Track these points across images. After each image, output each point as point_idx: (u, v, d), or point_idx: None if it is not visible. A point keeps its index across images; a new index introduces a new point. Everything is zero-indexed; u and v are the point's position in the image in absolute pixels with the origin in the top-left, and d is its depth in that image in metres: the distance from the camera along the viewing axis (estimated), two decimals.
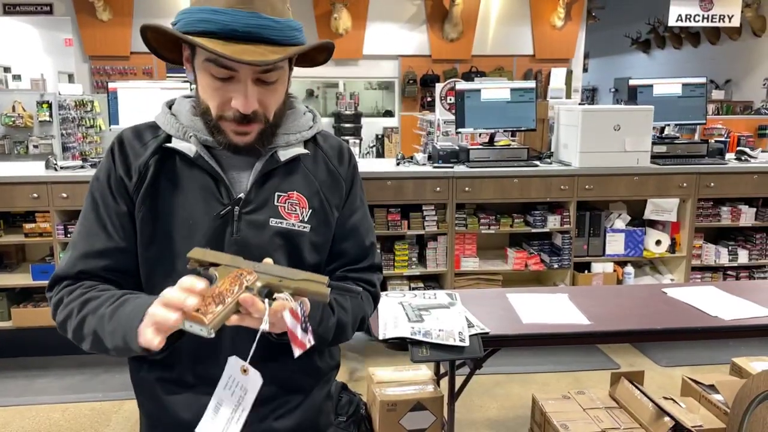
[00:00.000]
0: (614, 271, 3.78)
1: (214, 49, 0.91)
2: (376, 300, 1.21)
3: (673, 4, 7.79)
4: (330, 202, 1.12)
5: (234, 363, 0.93)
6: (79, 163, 3.61)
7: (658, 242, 3.77)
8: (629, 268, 3.78)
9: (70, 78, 10.18)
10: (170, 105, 1.12)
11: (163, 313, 0.84)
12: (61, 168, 3.45)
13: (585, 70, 10.66)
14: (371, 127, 9.39)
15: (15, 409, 2.93)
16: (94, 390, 3.09)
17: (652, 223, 3.82)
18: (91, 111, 8.06)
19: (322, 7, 8.84)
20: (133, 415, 2.85)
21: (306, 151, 1.10)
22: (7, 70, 9.78)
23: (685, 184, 3.67)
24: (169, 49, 1.05)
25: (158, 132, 1.07)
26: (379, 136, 9.46)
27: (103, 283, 1.04)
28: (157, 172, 1.04)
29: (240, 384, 0.92)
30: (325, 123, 8.95)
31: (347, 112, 8.79)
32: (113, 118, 3.60)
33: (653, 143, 3.70)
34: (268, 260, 0.92)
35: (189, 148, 1.03)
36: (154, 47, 1.04)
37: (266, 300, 0.89)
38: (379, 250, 1.24)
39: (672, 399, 2.45)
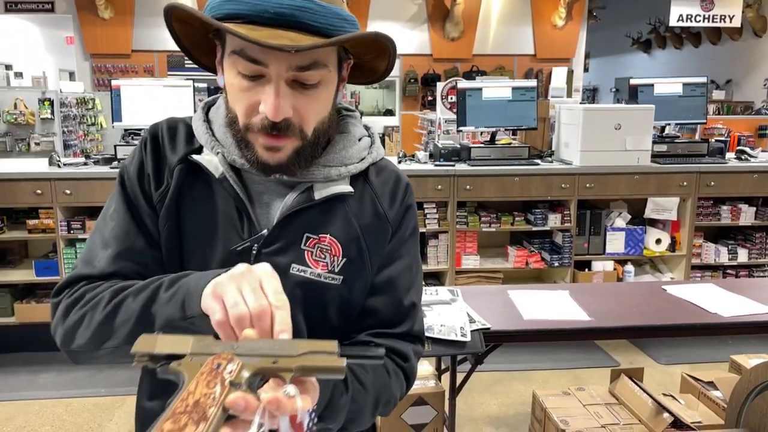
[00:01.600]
0: (614, 269, 3.80)
1: (236, 30, 0.73)
2: (408, 378, 0.93)
3: (674, 4, 7.80)
4: (371, 253, 0.91)
5: None
6: (82, 160, 3.63)
7: (658, 241, 3.78)
8: (629, 267, 3.80)
9: (71, 76, 10.20)
10: (210, 105, 0.95)
11: None
12: (65, 165, 3.46)
13: (586, 69, 10.68)
14: (372, 126, 9.31)
15: (19, 404, 2.95)
16: (96, 385, 3.11)
17: (653, 222, 3.84)
18: (93, 109, 8.08)
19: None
20: None
21: (350, 189, 0.90)
22: (8, 67, 9.79)
23: (685, 183, 3.69)
24: (201, 49, 0.90)
25: (191, 139, 0.92)
26: (380, 135, 9.48)
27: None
28: (180, 183, 0.89)
29: None
30: None
31: None
32: (116, 115, 3.62)
33: (654, 142, 3.71)
34: (249, 332, 0.67)
35: (215, 166, 0.87)
36: (187, 48, 0.89)
37: (262, 395, 0.64)
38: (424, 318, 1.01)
39: (671, 395, 2.47)
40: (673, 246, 3.81)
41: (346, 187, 0.90)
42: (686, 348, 3.59)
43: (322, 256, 0.88)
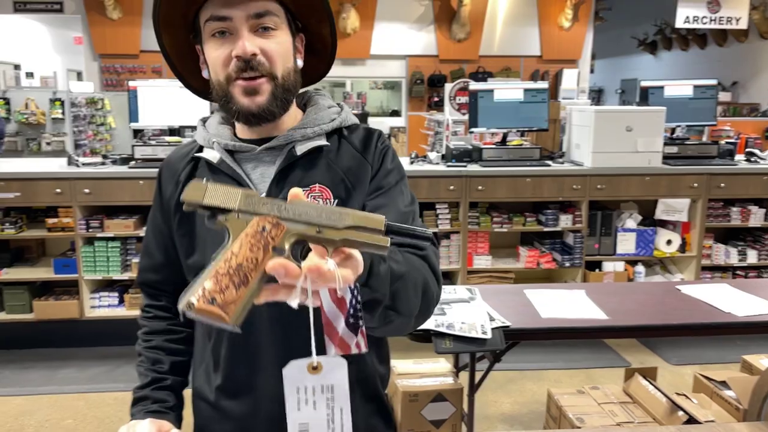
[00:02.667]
0: (625, 269, 3.83)
1: None
2: (434, 271, 0.98)
3: (680, 5, 7.82)
4: (357, 189, 1.04)
5: (294, 372, 0.71)
6: (99, 159, 3.67)
7: (668, 242, 3.82)
8: (640, 267, 3.83)
9: (79, 76, 10.26)
10: (206, 119, 1.14)
11: None
12: (83, 164, 3.51)
13: (591, 71, 10.70)
14: (378, 126, 8.99)
15: (39, 398, 3.00)
16: (116, 381, 3.16)
17: (663, 223, 3.87)
18: (102, 109, 8.13)
19: (330, 6, 8.87)
20: None
21: (326, 143, 1.05)
22: (17, 67, 9.85)
23: (696, 185, 3.72)
24: (186, 63, 1.06)
25: (192, 146, 1.11)
26: (386, 136, 9.51)
27: (160, 294, 1.15)
28: (187, 181, 1.05)
29: (318, 386, 0.71)
30: None
31: (354, 112, 8.73)
32: (133, 116, 3.66)
33: (664, 144, 3.75)
34: (296, 190, 0.70)
35: (213, 155, 1.03)
36: (174, 62, 1.06)
37: (303, 264, 0.64)
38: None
39: (684, 395, 2.50)
40: (683, 247, 3.85)
41: (322, 141, 1.04)
42: (696, 348, 3.62)
43: (316, 202, 1.00)
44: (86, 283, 3.50)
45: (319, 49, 1.09)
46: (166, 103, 3.63)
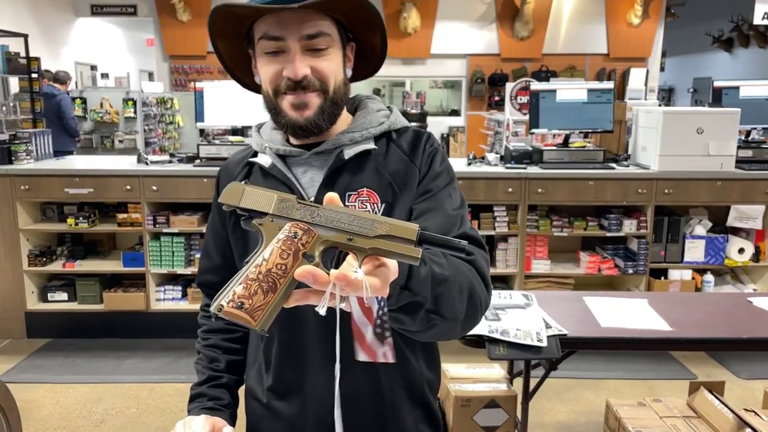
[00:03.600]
0: (693, 278, 3.67)
1: (252, 4, 0.92)
2: (483, 276, 0.96)
3: (758, 1, 7.40)
4: (404, 192, 1.03)
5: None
6: (167, 158, 3.82)
7: (741, 250, 3.63)
8: (709, 277, 3.66)
9: (150, 76, 10.71)
10: (259, 127, 1.16)
11: None
12: (152, 162, 3.66)
13: (662, 69, 10.28)
14: (437, 126, 9.40)
15: (106, 387, 3.15)
16: (177, 372, 3.28)
17: (735, 231, 3.68)
18: (171, 108, 8.46)
19: (391, 6, 8.92)
20: None
21: (374, 146, 1.05)
22: (93, 68, 10.37)
23: None
24: (241, 67, 1.08)
25: (247, 152, 1.13)
26: (445, 136, 9.46)
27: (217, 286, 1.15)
28: None
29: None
30: None
31: (413, 111, 8.82)
32: (199, 116, 3.78)
33: (738, 147, 3.56)
34: (332, 195, 0.71)
35: (266, 160, 1.06)
36: (230, 66, 1.08)
37: (332, 271, 0.64)
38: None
39: (754, 411, 2.37)
40: (757, 256, 3.64)
41: (370, 145, 1.05)
42: None
43: (364, 206, 1.01)
44: (152, 276, 3.65)
45: (369, 55, 1.10)
46: (231, 103, 3.73)
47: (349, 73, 1.05)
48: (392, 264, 0.70)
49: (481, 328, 1.92)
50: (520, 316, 2.04)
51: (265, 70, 0.99)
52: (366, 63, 1.10)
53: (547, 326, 1.99)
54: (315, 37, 0.95)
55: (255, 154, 1.11)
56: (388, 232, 0.67)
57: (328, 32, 0.97)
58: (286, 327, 1.03)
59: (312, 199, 1.01)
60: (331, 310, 0.67)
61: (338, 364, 0.72)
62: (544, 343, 1.89)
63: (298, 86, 0.96)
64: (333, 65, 0.99)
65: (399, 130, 1.10)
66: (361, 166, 1.04)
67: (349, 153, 1.03)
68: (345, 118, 1.09)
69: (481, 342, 1.91)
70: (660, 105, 4.01)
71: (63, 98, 6.34)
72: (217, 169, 1.19)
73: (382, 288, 0.68)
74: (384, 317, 0.72)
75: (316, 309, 0.66)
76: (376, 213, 0.92)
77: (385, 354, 0.72)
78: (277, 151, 1.06)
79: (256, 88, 1.11)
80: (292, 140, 1.08)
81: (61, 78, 6.59)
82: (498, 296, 2.26)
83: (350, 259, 0.68)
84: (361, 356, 0.73)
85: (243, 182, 0.74)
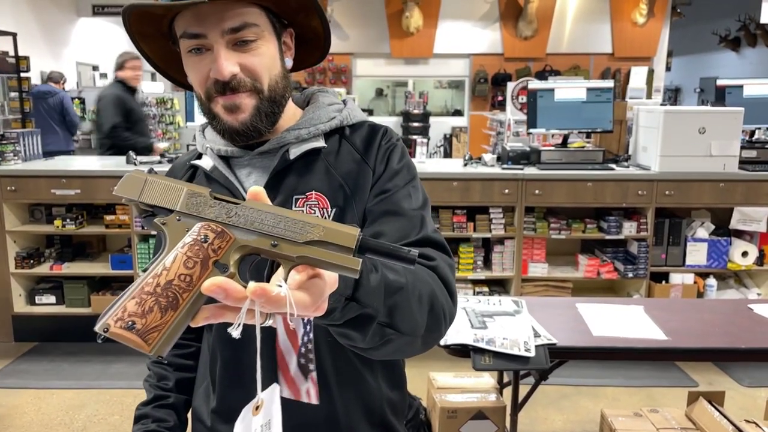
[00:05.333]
0: (695, 282, 3.57)
1: (163, 3, 0.82)
2: (447, 284, 0.87)
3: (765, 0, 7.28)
4: (357, 195, 0.95)
5: (244, 420, 0.67)
6: (157, 158, 3.75)
7: (744, 254, 3.52)
8: (711, 281, 3.56)
9: (153, 77, 10.66)
10: (203, 128, 1.08)
11: None
12: (141, 163, 3.59)
13: (668, 68, 10.12)
14: (439, 126, 9.32)
15: (91, 392, 3.08)
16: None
17: (739, 233, 3.57)
18: (171, 108, 8.41)
19: (393, 5, 8.85)
20: None
21: (322, 144, 0.96)
22: (95, 68, 10.34)
23: None
24: (172, 65, 0.98)
25: (192, 154, 1.06)
26: (447, 136, 9.37)
27: None
28: None
29: (259, 427, 0.65)
30: (393, 122, 8.95)
31: (415, 111, 8.76)
32: (189, 115, 3.73)
33: (742, 148, 3.46)
34: (256, 189, 0.61)
35: (207, 162, 0.98)
36: (161, 66, 1.00)
37: (251, 284, 0.54)
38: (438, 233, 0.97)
39: (754, 422, 2.27)
40: (761, 259, 3.54)
41: (318, 143, 0.96)
42: None
43: (312, 212, 0.93)
44: None
45: (311, 39, 0.99)
46: None
47: (289, 63, 0.95)
48: (330, 275, 0.59)
49: (467, 337, 1.84)
50: (507, 324, 1.95)
51: (192, 73, 0.90)
52: (310, 48, 1.00)
53: (536, 335, 1.90)
54: (240, 30, 0.85)
55: (200, 156, 1.02)
56: (321, 238, 0.56)
57: (254, 22, 0.87)
58: (229, 345, 0.95)
59: None
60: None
61: (260, 393, 0.63)
62: (532, 353, 1.80)
63: (227, 87, 0.87)
64: (265, 59, 0.89)
65: (354, 125, 1.01)
66: (310, 167, 0.95)
67: (294, 152, 0.94)
68: (293, 114, 1.00)
69: (466, 351, 1.82)
70: (665, 105, 3.90)
71: (65, 96, 6.33)
72: None
73: (312, 304, 0.57)
74: (309, 345, 0.63)
75: (229, 330, 0.55)
76: (325, 218, 0.80)
77: (308, 392, 0.63)
78: (218, 152, 0.97)
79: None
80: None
81: (55, 78, 6.57)
82: (487, 302, 2.17)
83: (281, 270, 0.57)
84: (285, 391, 0.64)
85: (148, 171, 0.63)
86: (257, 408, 0.64)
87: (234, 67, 0.86)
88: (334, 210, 0.93)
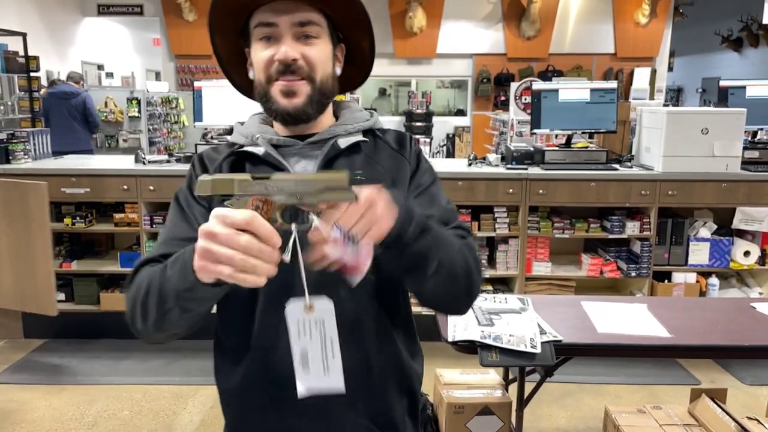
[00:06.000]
0: (697, 282, 3.60)
1: None
2: (474, 258, 1.03)
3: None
4: (398, 184, 1.08)
5: (293, 308, 0.85)
6: (165, 157, 3.79)
7: (746, 253, 3.55)
8: (714, 280, 3.59)
9: (157, 76, 10.72)
10: (241, 124, 1.19)
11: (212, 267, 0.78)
12: (149, 162, 3.64)
13: (670, 69, 10.15)
14: (442, 126, 9.36)
15: (101, 388, 3.13)
16: (173, 374, 3.25)
17: (741, 233, 3.61)
18: (176, 108, 8.46)
19: (397, 6, 8.88)
20: (208, 399, 2.98)
21: (365, 138, 1.11)
22: (100, 67, 10.39)
23: None
24: (233, 64, 1.13)
25: (229, 144, 1.14)
26: (450, 136, 9.41)
27: None
28: (231, 171, 1.09)
29: (312, 320, 0.85)
30: (396, 121, 9.00)
31: (418, 111, 8.80)
32: (197, 115, 3.76)
33: (744, 148, 3.49)
34: (279, 176, 0.84)
35: (257, 149, 1.08)
36: (224, 63, 1.14)
37: (293, 225, 0.81)
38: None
39: (756, 419, 2.31)
40: (763, 259, 3.57)
41: (360, 137, 1.11)
42: None
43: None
44: None
45: (358, 61, 1.15)
46: (229, 102, 3.70)
47: (338, 71, 1.10)
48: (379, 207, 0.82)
49: (474, 333, 1.87)
50: (514, 321, 1.99)
51: (258, 57, 1.04)
52: (355, 69, 1.16)
53: (542, 332, 1.93)
54: (305, 25, 1.02)
55: (240, 146, 1.11)
56: (326, 185, 0.80)
57: (317, 23, 1.04)
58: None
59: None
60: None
61: (308, 298, 0.85)
62: (538, 350, 1.84)
63: (287, 70, 1.02)
64: (322, 55, 1.05)
65: (382, 130, 1.17)
66: (353, 158, 1.09)
67: (344, 143, 1.08)
68: (331, 115, 1.14)
69: (473, 348, 1.86)
70: (668, 105, 3.93)
71: (87, 96, 6.40)
72: None
73: (332, 219, 0.79)
74: (346, 233, 0.80)
75: (282, 257, 0.78)
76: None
77: (363, 259, 0.81)
78: (270, 141, 1.09)
79: (245, 90, 1.16)
80: (282, 132, 1.11)
81: (75, 78, 6.64)
82: (493, 300, 2.21)
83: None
84: (356, 280, 0.83)
85: (207, 175, 0.85)
86: (309, 308, 0.85)
87: (296, 53, 1.02)
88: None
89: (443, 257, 0.94)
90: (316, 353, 0.85)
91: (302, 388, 0.87)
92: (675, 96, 13.34)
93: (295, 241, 0.81)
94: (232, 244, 0.75)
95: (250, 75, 1.09)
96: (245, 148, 1.09)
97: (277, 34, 1.02)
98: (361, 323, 1.03)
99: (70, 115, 6.14)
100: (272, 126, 1.13)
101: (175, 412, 2.88)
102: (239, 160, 1.10)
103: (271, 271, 0.77)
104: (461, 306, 1.08)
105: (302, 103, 1.03)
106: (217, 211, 0.77)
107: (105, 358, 3.45)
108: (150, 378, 3.22)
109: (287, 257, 0.79)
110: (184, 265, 0.84)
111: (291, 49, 1.01)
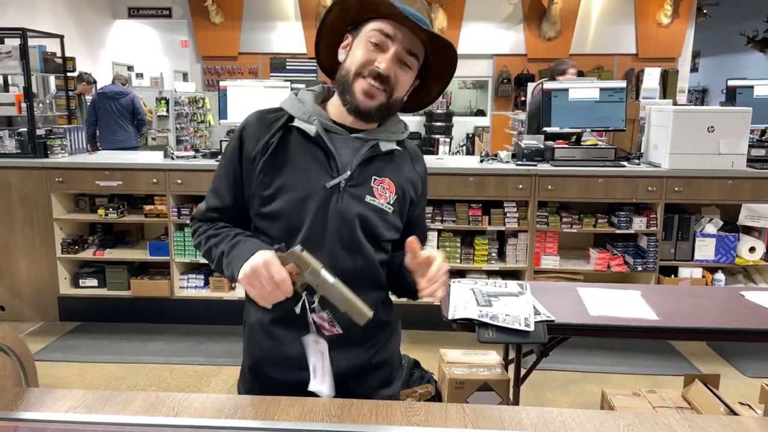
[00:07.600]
0: (703, 277, 3.69)
1: (393, 2, 1.17)
2: None
3: None
4: (407, 195, 1.33)
5: (307, 339, 1.24)
6: (192, 153, 4.01)
7: (752, 249, 3.63)
8: (720, 275, 3.67)
9: (185, 77, 11.03)
10: (296, 94, 1.35)
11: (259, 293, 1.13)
12: (177, 157, 3.85)
13: (695, 69, 10.11)
14: (462, 126, 9.47)
15: (131, 366, 3.35)
16: (197, 355, 3.46)
17: (747, 229, 3.69)
18: (203, 107, 8.72)
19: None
20: (230, 378, 3.18)
21: (400, 148, 1.32)
22: (130, 68, 10.74)
23: None
24: (328, 40, 1.30)
25: (281, 114, 1.29)
26: (470, 135, 9.52)
27: (221, 221, 1.33)
28: (279, 145, 1.26)
29: (317, 350, 1.24)
30: (417, 121, 9.14)
31: (439, 111, 8.93)
32: (222, 113, 3.97)
33: (751, 146, 3.57)
34: (413, 242, 1.17)
35: (310, 128, 1.24)
36: (321, 35, 1.30)
37: (304, 293, 1.15)
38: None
39: (748, 405, 2.41)
40: None
41: (398, 147, 1.32)
42: None
43: (383, 192, 1.29)
44: (176, 265, 3.85)
45: (422, 97, 1.37)
46: (252, 101, 3.90)
47: (405, 98, 1.30)
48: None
49: (472, 313, 2.02)
50: (510, 303, 2.13)
51: (360, 53, 1.22)
52: (416, 101, 1.37)
53: (536, 312, 2.07)
54: (411, 55, 1.22)
55: (291, 119, 1.27)
56: (348, 306, 1.13)
57: (418, 58, 1.25)
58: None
59: (348, 172, 1.25)
60: None
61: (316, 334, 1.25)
62: (532, 328, 1.98)
63: (379, 77, 1.20)
64: (406, 82, 1.26)
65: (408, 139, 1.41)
66: (388, 160, 1.31)
67: (384, 147, 1.30)
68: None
69: (471, 326, 2.00)
70: (691, 105, 4.01)
71: (135, 96, 6.70)
72: None
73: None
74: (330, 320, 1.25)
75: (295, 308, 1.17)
76: (389, 200, 1.30)
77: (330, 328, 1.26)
78: (325, 125, 1.26)
79: (324, 66, 1.35)
80: (332, 116, 1.29)
81: (122, 79, 6.96)
82: (494, 285, 2.35)
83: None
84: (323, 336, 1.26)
85: (300, 248, 1.13)
86: (316, 342, 1.24)
87: (392, 71, 1.21)
88: (395, 197, 1.30)
89: None
90: (320, 370, 1.24)
91: (311, 387, 1.24)
92: (700, 97, 13.24)
93: (303, 302, 1.16)
94: (265, 284, 1.10)
95: (340, 56, 1.27)
96: (298, 124, 1.26)
97: (386, 46, 1.20)
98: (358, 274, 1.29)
99: (119, 114, 6.44)
100: (324, 108, 1.30)
101: (199, 388, 3.09)
102: (288, 132, 1.27)
103: (276, 301, 1.13)
104: None
105: (374, 108, 1.23)
106: (267, 256, 1.11)
107: (134, 340, 3.67)
108: (176, 358, 3.43)
109: (297, 309, 1.16)
110: (231, 270, 1.19)
111: (392, 65, 1.20)
